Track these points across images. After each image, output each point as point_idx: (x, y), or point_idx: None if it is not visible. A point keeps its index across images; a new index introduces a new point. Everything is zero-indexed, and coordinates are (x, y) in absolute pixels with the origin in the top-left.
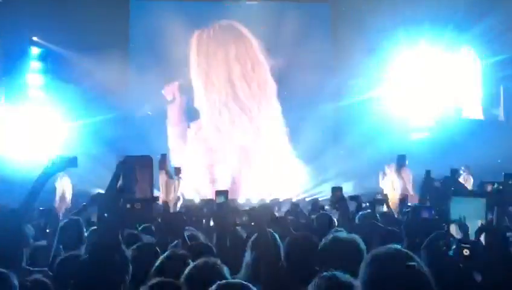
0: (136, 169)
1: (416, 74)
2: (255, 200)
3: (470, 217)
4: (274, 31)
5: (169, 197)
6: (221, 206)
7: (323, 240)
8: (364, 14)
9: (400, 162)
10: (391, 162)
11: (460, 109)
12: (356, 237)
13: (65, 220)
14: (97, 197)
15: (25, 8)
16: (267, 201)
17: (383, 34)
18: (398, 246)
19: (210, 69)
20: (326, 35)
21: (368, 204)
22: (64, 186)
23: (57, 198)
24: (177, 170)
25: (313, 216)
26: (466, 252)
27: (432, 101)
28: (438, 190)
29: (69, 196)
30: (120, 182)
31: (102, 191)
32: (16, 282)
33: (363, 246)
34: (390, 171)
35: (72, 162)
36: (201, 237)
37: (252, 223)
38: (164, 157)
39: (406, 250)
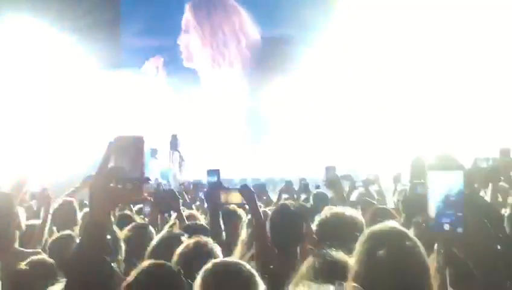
0: (128, 149)
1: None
2: (249, 180)
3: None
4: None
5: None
6: (213, 185)
7: (320, 215)
8: None
9: None
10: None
11: None
12: (355, 212)
13: (59, 202)
14: (89, 179)
15: None
16: (262, 180)
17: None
18: (395, 224)
19: (202, 40)
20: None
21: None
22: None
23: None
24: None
25: (304, 195)
26: (446, 226)
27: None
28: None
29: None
30: (111, 163)
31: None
32: None
33: (362, 220)
34: None
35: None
36: (201, 217)
37: (245, 203)
38: (176, 139)
39: (402, 228)
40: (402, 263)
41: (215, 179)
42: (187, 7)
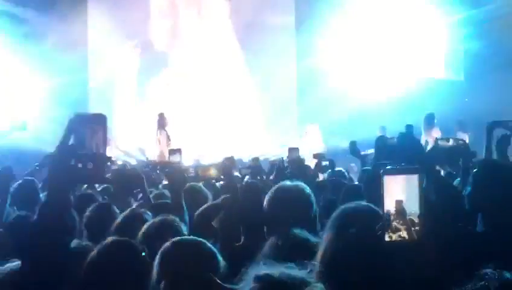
0: (89, 127)
1: (377, 29)
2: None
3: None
4: None
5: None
6: (175, 165)
7: (268, 193)
8: None
9: (429, 122)
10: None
11: (421, 68)
12: (301, 183)
13: (19, 181)
14: (44, 163)
15: None
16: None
17: None
18: (365, 203)
19: (172, 23)
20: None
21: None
22: None
23: None
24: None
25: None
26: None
27: (392, 59)
28: (393, 147)
29: None
30: (71, 141)
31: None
32: None
33: (309, 191)
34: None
35: (19, 126)
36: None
37: (222, 176)
38: (163, 117)
39: (376, 208)
40: (372, 243)
41: (178, 158)
42: None
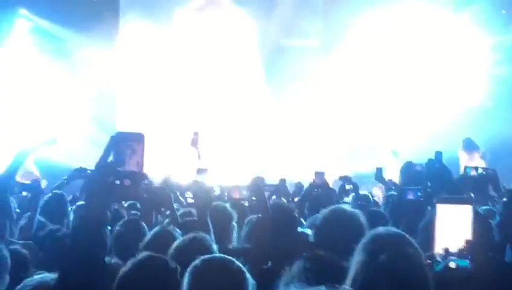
0: (129, 145)
1: (403, 56)
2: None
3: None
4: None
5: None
6: (199, 183)
7: (319, 214)
8: None
9: (469, 147)
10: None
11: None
12: (358, 211)
13: (49, 194)
14: (79, 172)
15: None
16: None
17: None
18: (395, 230)
19: (196, 45)
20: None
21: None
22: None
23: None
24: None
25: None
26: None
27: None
28: (420, 173)
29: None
30: (111, 158)
31: (85, 166)
32: (6, 253)
33: (364, 221)
34: None
35: (51, 140)
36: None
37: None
38: (197, 136)
39: (404, 233)
40: (404, 270)
41: (205, 177)
42: None
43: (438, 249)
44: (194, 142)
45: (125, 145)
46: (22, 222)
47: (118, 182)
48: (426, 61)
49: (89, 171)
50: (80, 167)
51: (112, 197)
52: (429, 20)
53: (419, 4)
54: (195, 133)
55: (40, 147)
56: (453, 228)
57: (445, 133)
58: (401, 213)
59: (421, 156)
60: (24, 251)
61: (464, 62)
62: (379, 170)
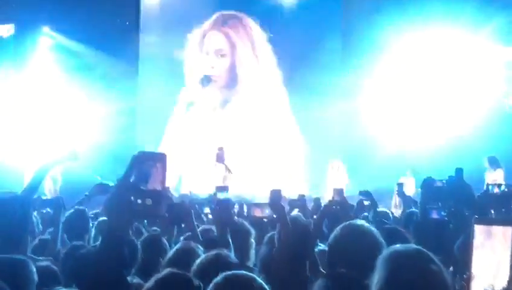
0: (150, 165)
1: (423, 72)
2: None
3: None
4: (281, 32)
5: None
6: (222, 202)
7: (335, 231)
8: (376, 11)
9: (493, 164)
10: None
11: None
12: (375, 229)
13: (70, 211)
14: (101, 187)
15: None
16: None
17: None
18: (416, 246)
19: (213, 63)
20: (337, 34)
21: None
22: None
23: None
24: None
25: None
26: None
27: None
28: (440, 190)
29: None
30: (133, 177)
31: (105, 181)
32: (32, 268)
33: (382, 240)
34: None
35: (72, 156)
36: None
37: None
38: (222, 152)
39: (426, 250)
40: (427, 287)
41: (225, 195)
42: None
43: (476, 272)
44: (220, 158)
45: (147, 164)
46: (44, 237)
47: (139, 201)
48: (444, 75)
49: (110, 186)
50: (101, 183)
51: (133, 216)
52: (447, 39)
53: (439, 24)
54: (220, 149)
55: (61, 162)
56: (491, 250)
57: (463, 148)
58: (424, 232)
59: (438, 170)
60: (53, 266)
61: (483, 76)
62: (400, 186)
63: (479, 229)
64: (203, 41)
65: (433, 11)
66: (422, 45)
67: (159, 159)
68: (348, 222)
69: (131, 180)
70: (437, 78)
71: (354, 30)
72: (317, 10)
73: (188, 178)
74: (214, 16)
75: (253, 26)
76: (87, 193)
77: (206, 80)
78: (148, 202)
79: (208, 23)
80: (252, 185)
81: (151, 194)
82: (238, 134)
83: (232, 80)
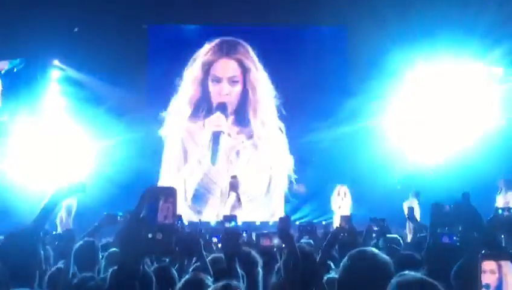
0: (160, 199)
1: (434, 95)
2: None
3: None
4: (287, 55)
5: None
6: (231, 230)
7: (343, 261)
8: (381, 37)
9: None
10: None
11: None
12: (389, 258)
13: (80, 242)
14: (109, 218)
15: (47, 32)
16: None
17: (400, 57)
18: (421, 275)
19: (227, 90)
20: (342, 59)
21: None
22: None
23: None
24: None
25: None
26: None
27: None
28: (449, 215)
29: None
30: (143, 212)
31: (115, 212)
32: None
33: (390, 267)
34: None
35: (79, 188)
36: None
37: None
38: (236, 180)
39: (432, 280)
40: None
41: (232, 224)
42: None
43: None
44: (234, 187)
45: (157, 199)
46: (55, 270)
47: (150, 235)
48: (448, 98)
49: (119, 216)
50: (110, 213)
51: (144, 251)
52: (452, 66)
53: (446, 52)
54: (234, 177)
55: (70, 195)
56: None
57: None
58: (436, 257)
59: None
60: None
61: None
62: (411, 210)
63: (486, 265)
64: (213, 69)
65: (440, 41)
66: (428, 69)
67: (169, 193)
68: (356, 251)
69: (141, 215)
70: (442, 101)
71: (359, 53)
72: (322, 35)
73: (196, 205)
74: (214, 43)
75: (252, 52)
76: (96, 224)
77: (221, 107)
78: (159, 236)
79: (210, 50)
80: (257, 210)
81: (162, 228)
82: (248, 159)
83: (242, 105)
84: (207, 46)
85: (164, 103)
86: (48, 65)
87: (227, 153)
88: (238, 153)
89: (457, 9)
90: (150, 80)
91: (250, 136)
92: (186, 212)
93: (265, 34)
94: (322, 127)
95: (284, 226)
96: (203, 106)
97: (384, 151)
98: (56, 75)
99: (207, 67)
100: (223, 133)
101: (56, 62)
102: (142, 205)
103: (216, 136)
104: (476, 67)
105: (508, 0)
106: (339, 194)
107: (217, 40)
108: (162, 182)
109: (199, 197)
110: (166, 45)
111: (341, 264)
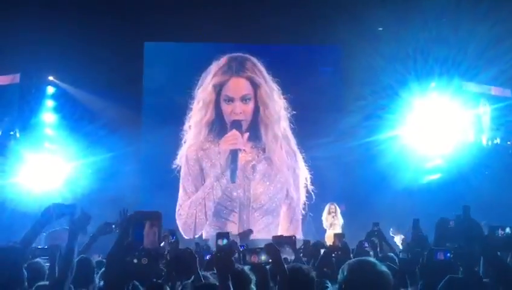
0: (146, 224)
1: (428, 116)
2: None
3: None
4: (283, 74)
5: None
6: (223, 248)
7: (345, 267)
8: (375, 56)
9: None
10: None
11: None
12: (388, 271)
13: (75, 259)
14: (106, 227)
15: (43, 48)
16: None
17: (395, 76)
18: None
19: (241, 108)
20: (337, 78)
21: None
22: None
23: None
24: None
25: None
26: None
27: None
28: (452, 230)
29: None
30: (129, 236)
31: (110, 221)
32: None
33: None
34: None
35: (71, 209)
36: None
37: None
38: (250, 232)
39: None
40: None
41: (224, 242)
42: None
43: None
44: (244, 239)
45: (142, 223)
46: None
47: (135, 260)
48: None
49: (113, 226)
50: (107, 222)
51: (129, 276)
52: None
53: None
54: (250, 230)
55: (59, 216)
56: None
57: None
58: (430, 274)
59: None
60: None
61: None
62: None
63: None
64: (225, 90)
65: (433, 60)
66: (419, 89)
67: (154, 217)
68: (355, 261)
69: (127, 241)
70: (436, 119)
71: (353, 73)
72: (318, 53)
73: (216, 222)
74: (223, 62)
75: (260, 65)
76: (92, 235)
77: (235, 124)
78: (144, 261)
79: (220, 70)
80: (273, 224)
81: (147, 253)
82: (263, 173)
83: (255, 121)
84: (215, 66)
85: (159, 119)
86: (43, 81)
87: (243, 169)
88: (254, 167)
89: (450, 30)
90: (145, 96)
91: (263, 151)
92: (207, 230)
93: (260, 52)
94: (320, 144)
95: (271, 243)
96: (216, 125)
97: (382, 168)
98: (51, 91)
99: (219, 88)
100: (240, 150)
101: (51, 78)
102: (128, 230)
103: (234, 154)
104: (468, 87)
105: (499, 22)
106: (329, 212)
107: (224, 58)
108: (183, 205)
109: (218, 215)
110: (162, 61)
111: (339, 275)
